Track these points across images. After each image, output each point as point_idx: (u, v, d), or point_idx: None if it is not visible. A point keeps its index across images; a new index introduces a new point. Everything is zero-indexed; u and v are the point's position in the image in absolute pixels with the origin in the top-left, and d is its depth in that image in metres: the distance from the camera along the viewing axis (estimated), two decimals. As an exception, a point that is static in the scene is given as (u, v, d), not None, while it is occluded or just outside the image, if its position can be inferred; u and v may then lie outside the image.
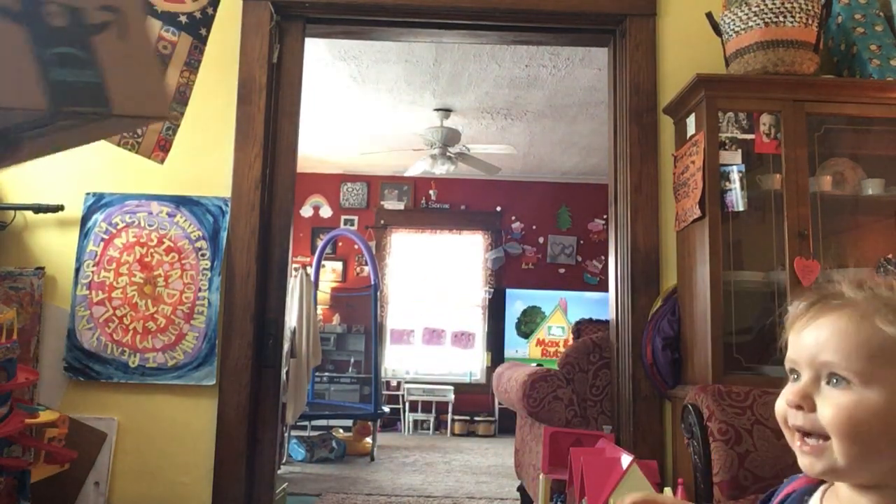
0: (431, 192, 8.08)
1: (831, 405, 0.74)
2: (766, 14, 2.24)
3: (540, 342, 7.89)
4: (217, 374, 2.38)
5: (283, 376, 4.20)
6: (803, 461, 0.77)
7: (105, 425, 2.38)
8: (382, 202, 8.08)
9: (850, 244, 2.55)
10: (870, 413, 0.72)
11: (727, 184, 2.21)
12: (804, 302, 0.82)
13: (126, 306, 2.39)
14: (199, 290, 2.40)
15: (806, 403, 0.76)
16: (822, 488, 0.83)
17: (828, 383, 0.75)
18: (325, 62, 4.86)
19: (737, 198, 2.19)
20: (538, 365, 3.77)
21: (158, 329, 2.38)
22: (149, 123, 1.64)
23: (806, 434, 0.76)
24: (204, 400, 2.39)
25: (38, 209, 2.43)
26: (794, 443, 0.78)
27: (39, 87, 0.64)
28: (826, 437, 0.74)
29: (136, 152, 2.16)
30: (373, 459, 5.70)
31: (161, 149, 2.22)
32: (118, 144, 2.11)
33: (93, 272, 2.41)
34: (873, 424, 0.72)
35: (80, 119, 0.67)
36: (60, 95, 0.64)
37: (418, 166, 6.28)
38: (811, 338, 0.77)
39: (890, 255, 2.23)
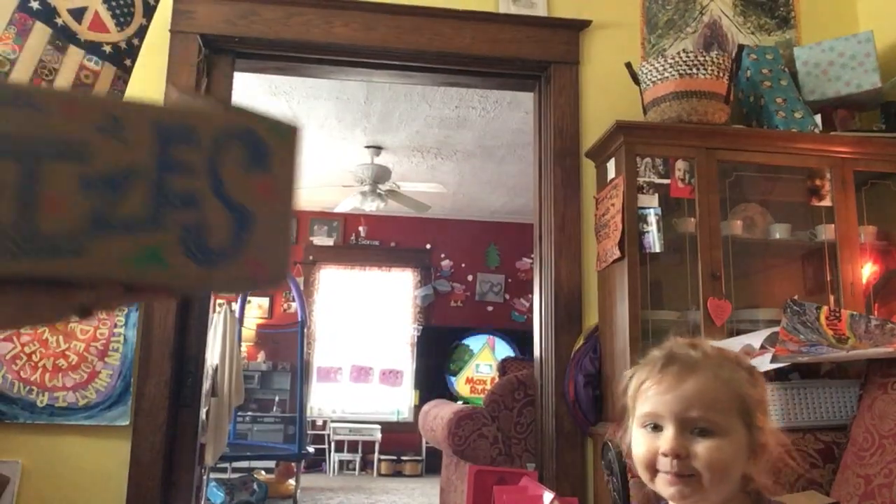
0: (361, 228, 8.06)
1: (704, 451, 0.93)
2: (680, 66, 2.36)
3: (469, 380, 7.89)
4: (131, 413, 2.29)
5: (203, 416, 4.07)
6: (672, 492, 0.94)
7: (8, 469, 2.24)
8: (311, 238, 8.01)
9: (759, 285, 2.67)
10: (728, 453, 0.93)
11: (645, 226, 2.29)
12: (653, 363, 1.00)
13: (35, 343, 2.28)
14: (115, 325, 2.32)
15: (684, 451, 0.93)
16: None
17: (698, 434, 0.94)
18: (255, 97, 4.83)
19: (654, 240, 2.27)
20: (464, 403, 3.77)
21: (70, 367, 2.28)
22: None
23: (680, 475, 0.93)
24: (116, 441, 2.29)
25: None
26: (661, 480, 0.95)
27: None
28: (693, 474, 0.93)
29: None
30: (296, 502, 5.55)
31: (79, 180, 2.15)
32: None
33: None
34: (729, 461, 0.93)
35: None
36: None
37: (348, 202, 6.27)
38: (676, 395, 0.95)
39: (796, 296, 2.35)
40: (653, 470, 0.96)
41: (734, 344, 2.00)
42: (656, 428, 0.96)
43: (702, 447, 0.92)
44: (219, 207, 0.64)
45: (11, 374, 2.26)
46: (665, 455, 0.93)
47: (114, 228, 0.59)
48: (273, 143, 0.68)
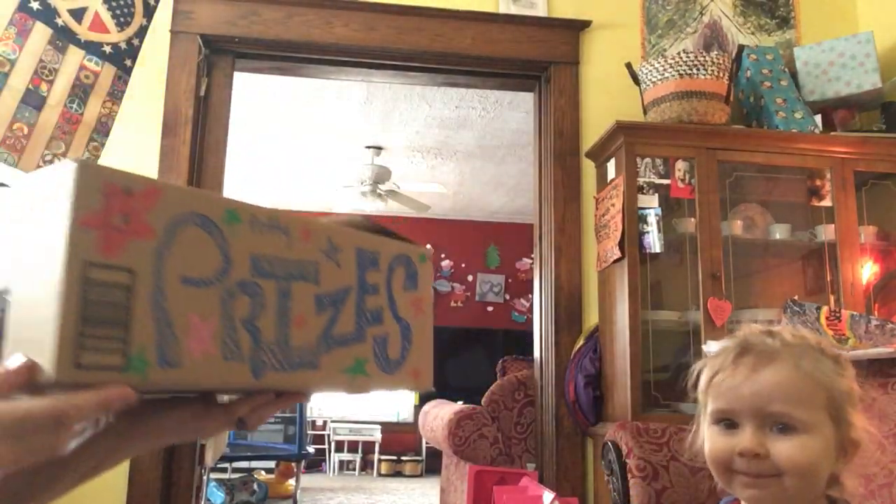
0: (361, 228, 8.06)
1: (786, 450, 0.83)
2: (680, 66, 2.36)
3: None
4: (132, 413, 2.29)
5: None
6: (750, 494, 0.86)
7: (7, 469, 2.24)
8: (311, 238, 8.00)
9: (759, 286, 2.67)
10: (814, 452, 0.84)
11: (645, 226, 2.29)
12: (725, 354, 0.90)
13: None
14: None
15: (763, 450, 0.84)
16: None
17: (779, 431, 0.85)
18: (256, 97, 4.83)
19: (654, 240, 2.27)
20: (464, 403, 3.77)
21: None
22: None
23: (759, 476, 0.85)
24: (117, 441, 2.29)
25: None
26: (738, 482, 0.87)
27: None
28: (775, 475, 0.84)
29: (53, 183, 2.08)
30: (296, 502, 5.55)
31: (79, 180, 2.15)
32: (33, 174, 2.03)
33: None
34: (815, 461, 0.84)
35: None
36: None
37: (348, 203, 6.27)
38: (753, 390, 0.86)
39: (796, 297, 2.35)
40: (728, 472, 0.87)
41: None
42: (731, 426, 0.87)
43: (784, 446, 0.83)
44: (393, 323, 0.74)
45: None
46: (741, 454, 0.85)
47: (336, 343, 0.66)
48: (419, 267, 0.80)
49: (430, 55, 2.65)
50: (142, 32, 2.27)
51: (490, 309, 8.13)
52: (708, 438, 0.91)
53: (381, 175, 5.93)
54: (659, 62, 2.39)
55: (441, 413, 3.29)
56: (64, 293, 0.47)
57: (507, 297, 8.16)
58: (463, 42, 2.63)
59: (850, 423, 0.87)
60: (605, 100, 2.67)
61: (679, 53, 2.38)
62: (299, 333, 0.63)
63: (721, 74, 2.38)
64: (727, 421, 0.88)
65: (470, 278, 8.17)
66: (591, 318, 2.53)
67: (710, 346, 2.09)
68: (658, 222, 2.28)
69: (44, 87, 2.02)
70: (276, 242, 0.62)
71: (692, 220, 2.34)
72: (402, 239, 0.80)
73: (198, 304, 0.55)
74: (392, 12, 2.62)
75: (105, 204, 0.50)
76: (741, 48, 2.53)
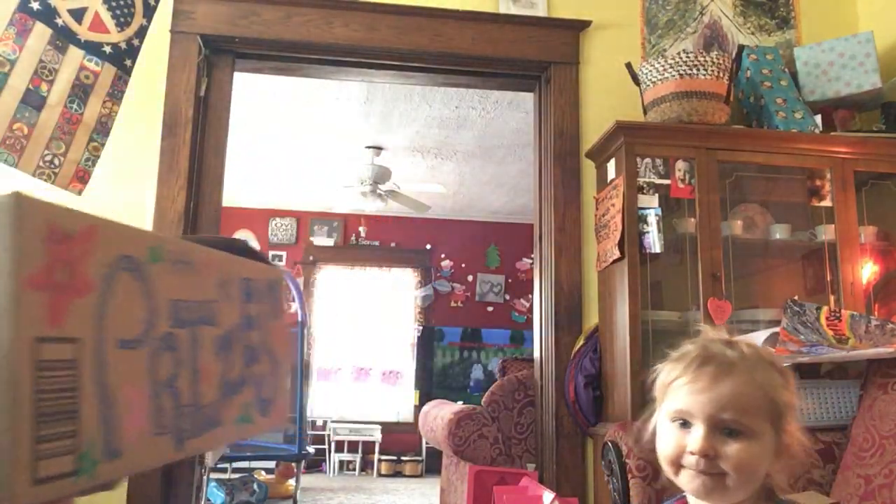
0: (361, 228, 8.06)
1: (733, 453, 0.93)
2: (680, 66, 2.36)
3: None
4: (132, 413, 2.29)
5: (204, 416, 4.06)
6: (697, 485, 0.96)
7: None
8: (312, 238, 8.00)
9: (759, 286, 2.67)
10: (756, 455, 0.94)
11: (645, 226, 2.29)
12: (688, 360, 1.00)
13: (35, 343, 2.28)
14: (116, 326, 2.32)
15: (713, 451, 0.94)
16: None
17: (727, 435, 0.94)
18: (256, 97, 4.83)
19: (654, 240, 2.27)
20: (465, 403, 3.77)
21: (70, 367, 2.28)
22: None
23: (707, 473, 0.95)
24: (117, 441, 2.29)
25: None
26: (686, 475, 0.96)
27: None
28: (721, 473, 0.94)
29: (53, 183, 2.09)
30: (296, 502, 5.55)
31: (79, 180, 2.15)
32: (33, 174, 2.04)
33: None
34: (757, 462, 0.95)
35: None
36: None
37: (348, 203, 6.27)
38: (710, 397, 0.95)
39: (796, 297, 2.35)
40: (677, 465, 0.97)
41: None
42: (685, 424, 0.97)
43: (731, 449, 0.93)
44: (266, 359, 0.67)
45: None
46: (693, 454, 0.94)
47: (230, 391, 0.60)
48: (279, 292, 0.72)
49: (430, 55, 2.65)
50: (142, 32, 2.27)
51: (490, 309, 8.13)
52: (661, 433, 1.01)
53: (382, 175, 5.93)
54: (659, 62, 2.39)
55: (441, 413, 3.29)
56: (16, 392, 0.40)
57: (508, 297, 8.16)
58: (463, 42, 2.63)
59: (787, 430, 0.97)
60: (605, 100, 2.67)
61: (679, 53, 2.38)
62: (207, 389, 0.57)
63: (721, 74, 2.38)
64: (682, 420, 0.97)
65: (470, 278, 8.17)
66: (591, 318, 2.53)
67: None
68: (658, 222, 2.28)
69: (44, 87, 2.02)
70: (188, 282, 0.56)
71: (692, 220, 2.34)
72: (260, 257, 0.71)
73: (131, 371, 0.49)
74: (392, 12, 2.62)
75: (49, 254, 0.43)
76: (741, 48, 2.53)
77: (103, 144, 2.19)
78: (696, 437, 0.95)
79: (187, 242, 0.58)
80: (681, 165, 2.38)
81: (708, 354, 0.98)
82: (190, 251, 0.57)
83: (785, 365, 1.04)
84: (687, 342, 1.04)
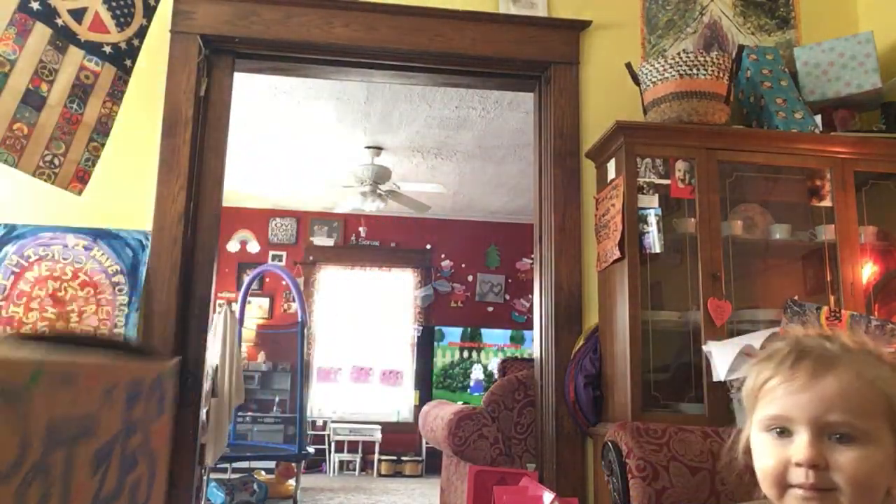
0: (361, 228, 8.07)
1: (847, 462, 0.78)
2: (680, 66, 2.36)
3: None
4: (132, 413, 2.29)
5: (203, 416, 4.07)
6: None
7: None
8: (312, 238, 8.01)
9: (759, 286, 2.67)
10: (875, 464, 0.78)
11: (645, 226, 2.29)
12: (780, 357, 0.85)
13: (35, 343, 2.28)
14: (115, 326, 2.32)
15: (822, 462, 0.79)
16: None
17: (838, 441, 0.79)
18: (256, 97, 4.83)
19: (654, 240, 2.27)
20: (464, 403, 3.77)
21: (70, 367, 2.28)
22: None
23: (818, 488, 0.79)
24: (117, 441, 2.29)
25: (-58, 240, 2.31)
26: (793, 496, 0.81)
27: None
28: (832, 489, 0.79)
29: (53, 183, 2.09)
30: (296, 502, 5.55)
31: (79, 180, 2.15)
32: (33, 174, 2.04)
33: (1, 307, 2.30)
34: (875, 475, 0.79)
35: None
36: None
37: (348, 203, 6.27)
38: (813, 397, 0.80)
39: (796, 297, 2.35)
40: (782, 485, 0.81)
41: (734, 345, 2.00)
42: (783, 433, 0.82)
43: (844, 457, 0.78)
44: (144, 460, 0.63)
45: (11, 375, 2.25)
46: (799, 465, 0.79)
47: None
48: (168, 384, 0.67)
49: (430, 55, 2.65)
50: (142, 32, 2.27)
51: (490, 309, 8.14)
52: (758, 447, 0.85)
53: (382, 175, 5.93)
54: (659, 62, 2.39)
55: (441, 413, 3.29)
56: None
57: (507, 297, 8.16)
58: (463, 42, 2.63)
59: None
60: (605, 100, 2.67)
61: (679, 53, 2.38)
62: None
63: (721, 74, 2.38)
64: (780, 428, 0.83)
65: (470, 278, 8.18)
66: (591, 318, 2.53)
67: (710, 347, 2.09)
68: (658, 222, 2.28)
69: (44, 87, 2.02)
70: (69, 398, 0.51)
71: (692, 220, 2.34)
72: (147, 352, 0.66)
73: None
74: (392, 12, 2.62)
75: None
76: (741, 48, 2.52)
77: (103, 144, 2.19)
78: (800, 445, 0.80)
79: (70, 356, 0.53)
80: (681, 165, 2.38)
81: (804, 348, 0.84)
82: (73, 365, 0.53)
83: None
84: (776, 341, 0.88)
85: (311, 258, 7.97)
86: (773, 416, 0.83)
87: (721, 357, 1.96)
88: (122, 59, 2.21)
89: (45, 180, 2.07)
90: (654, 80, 2.40)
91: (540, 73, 2.73)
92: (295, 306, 7.04)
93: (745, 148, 2.41)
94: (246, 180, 6.83)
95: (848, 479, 0.77)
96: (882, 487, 0.80)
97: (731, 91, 2.43)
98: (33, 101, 2.00)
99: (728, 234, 2.37)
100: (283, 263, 7.85)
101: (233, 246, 7.81)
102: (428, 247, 8.17)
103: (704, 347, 2.13)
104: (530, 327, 2.75)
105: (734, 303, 2.28)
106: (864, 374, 0.81)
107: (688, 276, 2.34)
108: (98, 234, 2.38)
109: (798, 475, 0.79)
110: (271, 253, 7.93)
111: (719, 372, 1.94)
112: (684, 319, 2.36)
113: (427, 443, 7.17)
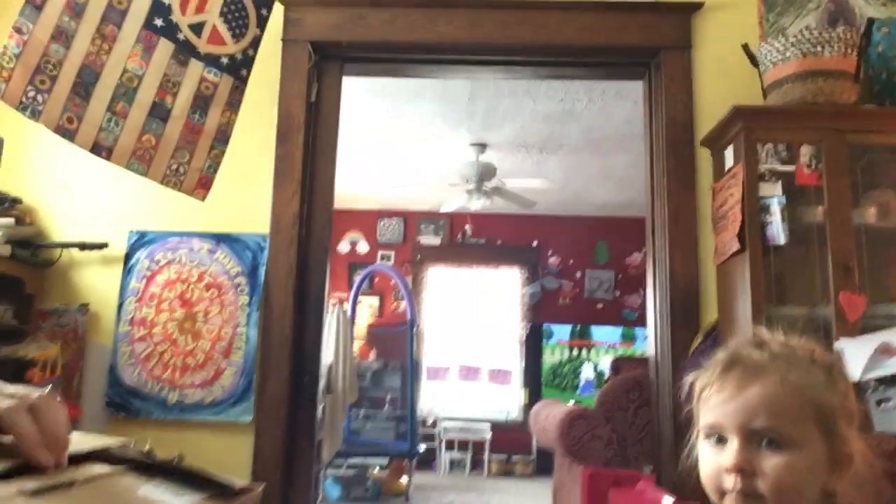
0: (467, 227, 8.10)
1: (771, 468, 0.82)
2: (803, 44, 2.21)
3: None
4: (253, 410, 2.39)
5: (319, 413, 4.20)
6: None
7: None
8: (418, 237, 8.12)
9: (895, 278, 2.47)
10: (800, 469, 0.82)
11: (767, 216, 2.17)
12: (714, 368, 0.90)
13: (166, 342, 2.42)
14: (238, 325, 2.42)
15: (749, 466, 0.83)
16: None
17: (767, 447, 0.83)
18: (361, 100, 4.94)
19: (777, 231, 2.15)
20: (576, 403, 3.71)
21: (197, 365, 2.40)
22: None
23: (745, 493, 0.83)
24: (240, 437, 2.39)
25: (83, 247, 2.49)
26: (727, 500, 0.85)
27: None
28: (760, 494, 0.82)
29: (180, 190, 2.20)
30: (408, 500, 5.63)
31: (202, 186, 2.27)
32: (161, 182, 2.16)
33: (135, 308, 2.45)
34: (801, 478, 0.82)
35: None
36: None
37: (454, 201, 6.31)
38: (739, 405, 0.85)
39: (941, 289, 2.16)
40: (719, 490, 0.87)
41: (869, 341, 1.86)
42: (720, 441, 0.87)
43: (769, 463, 0.82)
44: None
45: (145, 373, 2.40)
46: (728, 471, 0.84)
47: None
48: None
49: (535, 48, 2.62)
50: (256, 42, 2.36)
51: (600, 306, 7.98)
52: (701, 455, 0.91)
53: (487, 172, 5.93)
54: (779, 41, 2.26)
55: (553, 412, 3.25)
56: None
57: (618, 293, 7.98)
58: (568, 32, 2.58)
59: (842, 436, 0.84)
60: (721, 84, 2.54)
61: (801, 31, 2.24)
62: None
63: (849, 51, 2.22)
64: (716, 436, 0.88)
65: (578, 275, 8.04)
66: (710, 313, 2.42)
67: (843, 344, 1.95)
68: (782, 211, 2.15)
69: (168, 99, 2.14)
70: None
71: (820, 208, 2.20)
72: (200, 474, 0.64)
73: None
74: (495, 7, 2.60)
75: None
76: (870, 21, 2.34)
77: (223, 152, 2.29)
78: (729, 451, 0.85)
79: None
80: (805, 150, 2.24)
81: (734, 357, 0.89)
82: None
83: (834, 361, 0.91)
84: (719, 349, 0.93)
85: (418, 257, 8.08)
86: (709, 424, 0.88)
87: (855, 355, 1.83)
88: (239, 69, 2.31)
89: (172, 188, 2.19)
90: (774, 60, 2.27)
91: (649, 59, 2.64)
92: (404, 305, 7.15)
93: (878, 129, 2.24)
94: (354, 182, 7.00)
95: (770, 484, 0.81)
96: (812, 490, 0.83)
97: (861, 68, 2.26)
98: (159, 113, 2.12)
99: (860, 222, 2.21)
100: (391, 263, 8.00)
101: (343, 247, 8.04)
102: (534, 244, 8.10)
103: (836, 345, 1.99)
104: (642, 324, 2.66)
105: (869, 297, 2.12)
106: (790, 379, 0.84)
107: (816, 268, 2.19)
108: (220, 238, 2.49)
109: (729, 481, 0.84)
110: (380, 253, 8.09)
111: (854, 372, 1.81)
112: (813, 315, 2.22)
113: (538, 442, 7.11)
